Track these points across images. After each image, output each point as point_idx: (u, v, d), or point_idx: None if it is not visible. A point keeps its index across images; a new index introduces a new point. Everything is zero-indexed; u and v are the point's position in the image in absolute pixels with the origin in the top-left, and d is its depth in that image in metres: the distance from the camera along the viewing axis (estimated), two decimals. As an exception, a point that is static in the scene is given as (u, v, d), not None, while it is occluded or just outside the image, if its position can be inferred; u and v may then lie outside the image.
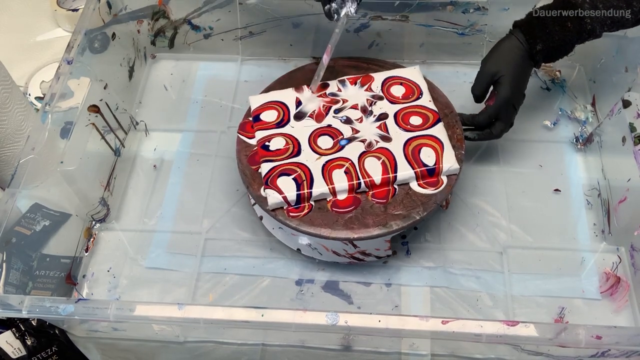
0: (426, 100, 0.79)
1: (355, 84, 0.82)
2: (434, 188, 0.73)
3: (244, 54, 0.99)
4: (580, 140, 0.87)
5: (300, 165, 0.74)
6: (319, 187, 0.72)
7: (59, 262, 0.75)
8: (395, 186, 0.73)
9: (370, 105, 0.80)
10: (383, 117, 0.78)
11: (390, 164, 0.74)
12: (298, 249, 0.78)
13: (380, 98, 0.80)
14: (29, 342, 0.72)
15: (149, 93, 0.97)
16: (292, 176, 0.73)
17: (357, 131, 0.77)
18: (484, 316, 0.73)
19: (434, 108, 0.79)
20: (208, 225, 0.82)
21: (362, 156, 0.75)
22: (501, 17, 0.88)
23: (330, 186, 0.72)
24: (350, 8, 0.76)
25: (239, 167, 0.77)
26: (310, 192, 0.72)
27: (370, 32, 0.94)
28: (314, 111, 0.80)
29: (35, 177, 0.71)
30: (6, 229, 0.67)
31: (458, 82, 0.92)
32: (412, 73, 0.83)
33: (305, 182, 0.73)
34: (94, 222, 0.83)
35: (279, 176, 0.74)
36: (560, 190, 0.83)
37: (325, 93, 0.81)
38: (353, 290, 0.76)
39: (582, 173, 0.84)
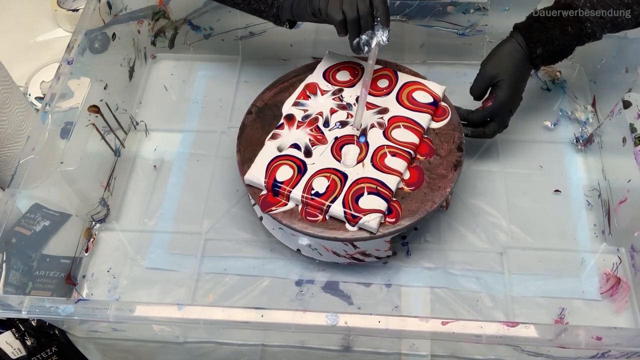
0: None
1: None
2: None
3: (244, 54, 0.99)
4: (581, 141, 0.87)
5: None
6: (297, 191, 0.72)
7: (58, 263, 0.75)
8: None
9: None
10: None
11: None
12: (298, 250, 0.78)
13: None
14: (28, 343, 0.72)
15: (149, 93, 0.97)
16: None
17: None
18: (484, 317, 0.73)
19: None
20: (208, 226, 0.82)
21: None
22: (501, 17, 0.88)
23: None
24: (382, 37, 0.70)
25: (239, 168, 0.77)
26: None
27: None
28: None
29: (35, 177, 0.71)
30: (6, 229, 0.67)
31: (458, 82, 0.92)
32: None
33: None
34: (94, 223, 0.83)
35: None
36: (560, 191, 0.83)
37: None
38: (353, 290, 0.76)
39: (583, 174, 0.84)
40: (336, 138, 0.77)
